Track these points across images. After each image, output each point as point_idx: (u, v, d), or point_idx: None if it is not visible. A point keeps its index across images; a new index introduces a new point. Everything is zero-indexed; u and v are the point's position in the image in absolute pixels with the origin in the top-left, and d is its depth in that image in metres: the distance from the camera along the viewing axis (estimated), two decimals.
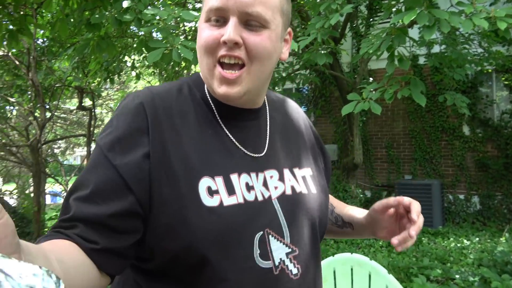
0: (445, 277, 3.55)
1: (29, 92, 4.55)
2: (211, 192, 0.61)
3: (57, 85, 4.53)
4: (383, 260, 4.05)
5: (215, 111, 0.67)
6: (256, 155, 0.68)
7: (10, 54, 3.91)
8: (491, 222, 6.13)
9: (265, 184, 0.67)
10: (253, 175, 0.66)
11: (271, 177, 0.68)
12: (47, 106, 4.57)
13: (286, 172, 0.71)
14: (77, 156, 14.45)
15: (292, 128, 0.79)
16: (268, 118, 0.74)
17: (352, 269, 1.91)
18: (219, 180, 0.62)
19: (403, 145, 7.14)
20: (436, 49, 5.48)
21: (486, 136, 6.46)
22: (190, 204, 0.59)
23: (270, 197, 0.66)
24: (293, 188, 0.70)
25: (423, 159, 6.89)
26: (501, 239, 4.93)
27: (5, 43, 2.89)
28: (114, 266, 0.58)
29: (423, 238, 5.09)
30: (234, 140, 0.67)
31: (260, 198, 0.65)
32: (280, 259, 0.63)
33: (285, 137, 0.75)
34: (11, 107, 5.33)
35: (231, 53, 0.60)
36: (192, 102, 0.67)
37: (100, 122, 8.55)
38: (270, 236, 0.63)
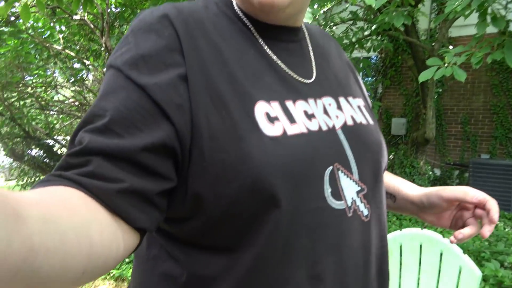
0: None
1: (104, 57, 4.80)
2: (271, 118, 0.49)
3: None
4: None
5: (252, 29, 0.56)
6: (307, 81, 0.58)
7: (86, 18, 4.11)
8: None
9: (326, 112, 0.57)
10: (311, 101, 0.56)
11: (330, 104, 0.58)
12: None
13: (342, 100, 0.61)
14: None
15: (333, 55, 0.69)
16: (308, 40, 0.64)
17: (421, 246, 1.78)
18: (276, 105, 0.51)
19: (482, 121, 6.50)
20: None
21: None
22: (247, 134, 0.47)
23: (334, 126, 0.56)
24: (353, 118, 0.60)
25: (505, 137, 6.23)
26: None
27: (81, 7, 3.03)
28: (145, 215, 0.43)
29: (498, 222, 4.68)
30: (280, 62, 0.56)
31: (324, 127, 0.55)
32: (352, 198, 0.54)
33: (330, 64, 0.65)
34: (87, 72, 5.68)
35: None
36: (224, 19, 0.56)
37: None
38: (339, 171, 0.54)
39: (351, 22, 4.73)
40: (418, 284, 1.75)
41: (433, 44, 4.95)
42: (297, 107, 0.53)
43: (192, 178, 0.47)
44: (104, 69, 4.81)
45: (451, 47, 5.69)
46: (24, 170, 5.79)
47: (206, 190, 0.47)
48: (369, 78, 7.75)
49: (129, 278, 3.39)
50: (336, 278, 0.52)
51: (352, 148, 0.56)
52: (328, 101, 0.59)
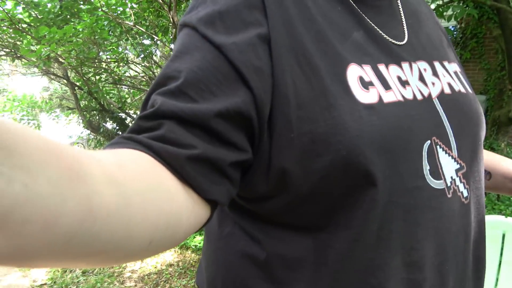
0: None
1: (171, 33, 4.92)
2: (365, 84, 0.44)
3: None
4: None
5: None
6: (399, 42, 0.51)
7: None
8: None
9: (421, 78, 0.50)
10: (405, 66, 0.49)
11: (425, 70, 0.52)
12: None
13: (438, 65, 0.54)
14: None
15: (424, 15, 0.61)
16: (398, 1, 0.56)
17: (504, 235, 1.61)
18: (368, 69, 0.46)
19: None
20: None
21: None
22: (340, 101, 0.42)
23: (430, 95, 0.49)
24: (450, 86, 0.53)
25: None
26: None
27: None
28: (217, 187, 0.39)
29: None
30: (369, 21, 0.50)
31: (419, 96, 0.48)
32: (451, 177, 0.48)
33: (421, 24, 0.58)
34: (155, 48, 5.89)
35: None
36: None
37: None
38: (438, 146, 0.47)
39: None
40: (497, 276, 1.59)
41: None
42: (391, 72, 0.47)
43: (277, 151, 0.43)
44: (172, 45, 4.96)
45: None
46: (100, 141, 6.28)
47: (293, 164, 0.42)
48: None
49: (192, 246, 3.56)
50: (434, 266, 0.47)
51: (450, 120, 0.49)
52: (423, 66, 0.52)
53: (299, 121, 0.42)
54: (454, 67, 0.57)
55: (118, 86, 5.77)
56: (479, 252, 0.55)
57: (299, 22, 0.44)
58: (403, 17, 0.55)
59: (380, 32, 0.50)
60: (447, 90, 0.52)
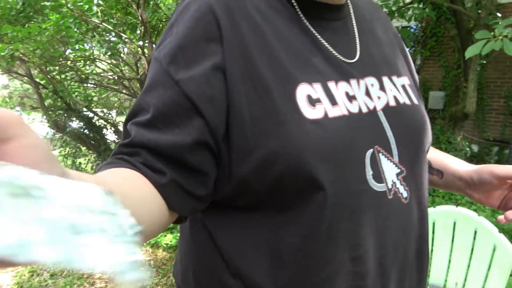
0: None
1: (139, 31, 4.87)
2: (312, 101, 0.50)
3: (163, 20, 4.76)
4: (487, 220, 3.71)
5: (297, 7, 0.56)
6: (351, 60, 0.57)
7: None
8: None
9: (367, 93, 0.57)
10: (353, 82, 0.56)
11: (372, 85, 0.58)
12: (155, 44, 4.86)
13: (386, 80, 0.61)
14: None
15: (380, 29, 0.67)
16: (353, 17, 0.62)
17: (455, 224, 1.77)
18: (318, 87, 0.52)
19: None
20: None
21: None
22: (289, 118, 0.48)
23: (375, 108, 0.56)
24: (396, 99, 0.60)
25: None
26: None
27: None
28: (183, 204, 0.49)
29: None
30: (323, 41, 0.56)
31: (364, 109, 0.55)
32: (392, 181, 0.55)
33: (375, 40, 0.64)
34: (123, 46, 5.80)
35: None
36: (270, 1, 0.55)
37: None
38: (380, 154, 0.54)
39: None
40: (449, 261, 1.75)
41: (479, 11, 4.65)
42: (339, 89, 0.54)
43: (236, 163, 0.49)
44: (140, 42, 4.89)
45: (499, 14, 5.32)
46: (66, 141, 6.12)
47: (250, 173, 0.49)
48: (408, 49, 7.43)
49: (164, 245, 3.58)
50: (376, 259, 0.54)
51: (393, 130, 0.56)
52: (370, 81, 0.58)
53: (254, 137, 0.48)
54: (402, 80, 0.64)
55: (84, 84, 5.63)
56: (421, 246, 0.61)
57: (254, 48, 0.50)
58: (356, 36, 0.61)
59: (333, 51, 0.56)
60: (392, 103, 0.59)
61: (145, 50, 4.49)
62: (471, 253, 1.70)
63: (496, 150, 6.27)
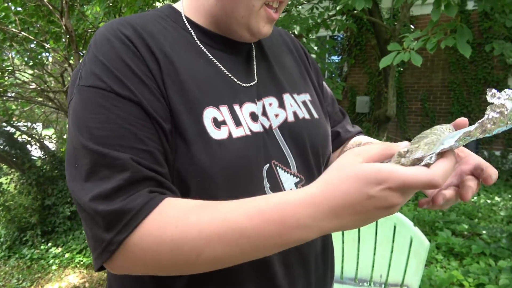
0: (472, 232, 3.54)
1: (64, 40, 4.61)
2: (218, 123, 0.56)
3: (89, 31, 4.56)
4: (409, 213, 4.07)
5: (199, 42, 0.63)
6: (248, 84, 0.64)
7: None
8: None
9: (264, 113, 0.63)
10: (253, 104, 0.62)
11: (270, 104, 0.65)
12: (81, 54, 4.64)
13: (287, 97, 0.68)
14: None
15: (284, 53, 0.75)
16: (253, 45, 0.70)
17: (377, 221, 1.93)
18: (224, 109, 0.58)
19: (440, 98, 6.83)
20: None
21: None
22: (196, 139, 0.53)
23: (270, 126, 0.63)
24: (295, 114, 0.67)
25: (460, 113, 6.59)
26: None
27: None
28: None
29: None
30: (225, 70, 0.62)
31: (261, 129, 0.61)
32: (291, 189, 0.61)
33: (278, 63, 0.71)
34: (47, 54, 5.45)
35: None
36: (174, 32, 0.61)
37: None
38: (277, 167, 0.61)
39: (316, 1, 4.78)
40: (374, 255, 1.91)
41: (395, 23, 5.10)
42: (243, 110, 0.60)
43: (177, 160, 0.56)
44: (65, 52, 4.63)
45: (412, 26, 5.88)
46: None
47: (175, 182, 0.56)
48: (335, 57, 7.90)
49: None
50: (280, 260, 0.60)
51: (289, 144, 0.63)
52: (269, 101, 0.65)
53: (170, 151, 0.55)
54: (303, 97, 0.70)
55: (3, 97, 5.19)
56: (325, 243, 0.70)
57: (166, 76, 0.55)
58: (255, 63, 0.67)
59: (233, 78, 0.62)
60: (291, 119, 0.65)
61: (71, 61, 4.26)
62: (392, 246, 1.87)
63: None
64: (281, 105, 0.66)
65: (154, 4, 4.15)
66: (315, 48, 4.45)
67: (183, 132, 0.54)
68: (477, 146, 5.92)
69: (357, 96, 7.46)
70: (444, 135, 0.45)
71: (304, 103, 0.70)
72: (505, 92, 0.43)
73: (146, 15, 0.62)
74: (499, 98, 0.42)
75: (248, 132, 0.59)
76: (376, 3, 4.94)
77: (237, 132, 0.57)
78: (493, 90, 0.43)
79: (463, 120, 0.50)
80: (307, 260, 0.65)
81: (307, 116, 0.69)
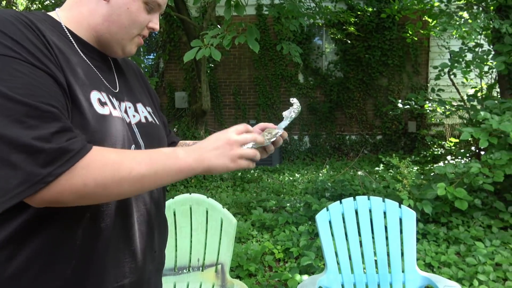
0: (278, 206, 4.10)
1: None
2: (102, 103, 0.73)
3: None
4: (228, 198, 4.40)
5: (77, 47, 0.78)
6: (114, 90, 0.82)
7: None
8: (317, 157, 7.26)
9: (126, 111, 0.82)
10: (120, 102, 0.81)
11: (129, 107, 0.84)
12: None
13: (139, 105, 0.88)
14: None
15: (131, 74, 0.96)
16: (112, 63, 0.88)
17: (191, 208, 2.01)
18: (105, 95, 0.76)
19: (249, 92, 7.61)
20: (277, 0, 5.81)
21: (316, 83, 7.39)
22: (87, 111, 0.69)
23: (130, 122, 0.81)
24: (146, 119, 0.88)
25: (266, 104, 7.52)
26: (323, 170, 5.91)
27: None
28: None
29: (263, 176, 5.70)
30: (98, 73, 0.79)
31: (127, 120, 0.80)
32: None
33: (129, 80, 0.92)
34: None
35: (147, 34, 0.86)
36: (55, 34, 0.74)
37: None
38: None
39: None
40: (191, 241, 1.99)
41: (202, 22, 5.37)
42: (113, 101, 0.79)
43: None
44: None
45: (219, 26, 6.30)
46: None
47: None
48: (151, 55, 7.78)
49: None
50: (137, 223, 0.82)
51: (142, 138, 0.83)
52: (128, 105, 0.85)
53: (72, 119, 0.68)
54: (148, 108, 0.92)
55: None
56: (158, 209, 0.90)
57: (62, 61, 0.69)
58: (115, 74, 0.87)
59: (106, 83, 0.80)
60: (143, 121, 0.86)
61: None
62: (206, 230, 1.99)
63: None
64: (136, 110, 0.86)
65: None
66: None
67: (79, 105, 0.68)
68: None
69: (175, 92, 7.56)
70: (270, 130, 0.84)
71: (149, 112, 0.92)
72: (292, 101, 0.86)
73: (29, 13, 0.73)
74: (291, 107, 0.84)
75: (119, 115, 0.77)
76: (183, 1, 5.09)
77: (115, 113, 0.76)
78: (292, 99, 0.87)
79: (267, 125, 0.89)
80: (152, 227, 0.86)
81: (153, 121, 0.91)
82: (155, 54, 7.67)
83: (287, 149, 7.41)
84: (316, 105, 7.37)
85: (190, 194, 2.04)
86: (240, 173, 5.71)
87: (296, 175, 5.78)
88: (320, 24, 6.93)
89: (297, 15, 4.41)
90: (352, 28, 6.61)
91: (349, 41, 7.02)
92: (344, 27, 6.80)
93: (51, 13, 0.80)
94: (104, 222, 0.73)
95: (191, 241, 1.99)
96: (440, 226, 3.38)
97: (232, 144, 0.74)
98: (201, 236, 1.98)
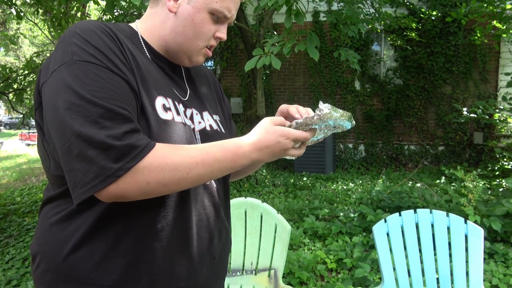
0: (332, 215, 4.02)
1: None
2: (165, 108, 0.78)
3: None
4: (280, 204, 4.40)
5: (150, 56, 0.84)
6: (183, 98, 0.87)
7: None
8: (373, 167, 7.01)
9: (191, 118, 0.86)
10: (186, 108, 0.86)
11: (196, 114, 0.89)
12: None
13: (205, 114, 0.92)
14: None
15: (204, 82, 1.00)
16: (183, 72, 0.93)
17: (246, 212, 2.04)
18: (170, 101, 0.81)
19: (303, 99, 7.57)
20: (335, 6, 5.74)
21: (373, 91, 7.17)
22: (151, 116, 0.75)
23: (194, 129, 0.86)
24: (211, 126, 0.91)
25: None
26: (379, 181, 5.70)
27: None
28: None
29: (316, 184, 5.62)
30: (167, 81, 0.85)
31: (190, 126, 0.85)
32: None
33: (200, 88, 0.96)
34: None
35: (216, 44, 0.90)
36: (133, 42, 0.82)
37: None
38: None
39: None
40: (245, 244, 2.02)
41: (259, 29, 5.45)
42: (180, 108, 0.83)
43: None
44: None
45: (275, 32, 6.37)
46: None
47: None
48: (208, 62, 8.04)
49: None
50: (195, 225, 0.85)
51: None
52: (195, 112, 0.89)
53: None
54: (216, 117, 0.95)
55: None
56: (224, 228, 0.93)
57: (134, 67, 0.76)
58: (186, 83, 0.92)
59: (175, 91, 0.85)
60: (208, 128, 0.90)
61: None
62: (260, 234, 2.01)
63: None
64: (202, 118, 0.91)
65: None
66: None
67: (144, 109, 0.74)
68: (334, 140, 6.75)
69: (230, 98, 7.73)
70: (308, 119, 0.79)
71: (215, 121, 0.95)
72: (322, 104, 0.80)
73: (112, 24, 0.81)
74: (322, 109, 0.78)
75: (183, 121, 0.82)
76: (241, 9, 5.21)
77: (178, 119, 0.80)
78: (320, 103, 0.80)
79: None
80: (213, 232, 0.87)
81: (219, 130, 0.93)
82: (213, 61, 7.91)
83: (341, 157, 7.25)
84: (372, 113, 7.14)
85: (246, 198, 2.08)
86: (292, 180, 5.68)
87: (350, 184, 5.63)
88: (379, 31, 6.73)
89: (356, 21, 4.32)
90: (414, 34, 6.34)
91: (409, 47, 6.73)
92: (404, 33, 6.54)
93: (132, 24, 0.88)
94: (161, 222, 0.77)
95: (245, 244, 2.02)
96: (510, 246, 3.11)
97: (286, 150, 0.78)
98: (255, 240, 2.00)
